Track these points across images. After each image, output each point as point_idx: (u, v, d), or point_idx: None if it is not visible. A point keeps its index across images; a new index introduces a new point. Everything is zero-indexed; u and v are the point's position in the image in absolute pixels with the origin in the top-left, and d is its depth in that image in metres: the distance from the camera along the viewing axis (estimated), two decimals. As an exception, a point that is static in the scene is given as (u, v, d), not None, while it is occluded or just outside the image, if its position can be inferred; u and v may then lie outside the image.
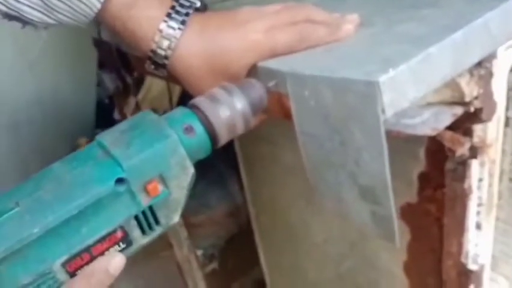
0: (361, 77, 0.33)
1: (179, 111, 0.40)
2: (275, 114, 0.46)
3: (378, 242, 0.62)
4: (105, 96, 1.28)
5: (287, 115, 0.43)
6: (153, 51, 0.44)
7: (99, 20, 0.45)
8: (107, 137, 0.37)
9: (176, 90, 1.25)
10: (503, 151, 0.51)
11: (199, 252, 1.04)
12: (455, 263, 0.51)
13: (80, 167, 0.36)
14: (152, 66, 0.46)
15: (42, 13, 0.44)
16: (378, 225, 0.39)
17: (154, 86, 1.24)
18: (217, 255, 1.09)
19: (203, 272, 1.05)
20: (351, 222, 0.42)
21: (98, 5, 0.43)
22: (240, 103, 0.40)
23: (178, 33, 0.44)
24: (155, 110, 1.20)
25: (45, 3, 0.43)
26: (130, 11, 0.44)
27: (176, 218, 0.39)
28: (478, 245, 0.50)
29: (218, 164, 0.99)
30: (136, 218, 0.37)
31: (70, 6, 0.43)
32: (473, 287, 0.52)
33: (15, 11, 0.44)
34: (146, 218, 0.38)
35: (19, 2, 0.43)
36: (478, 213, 0.48)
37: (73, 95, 1.26)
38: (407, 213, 0.54)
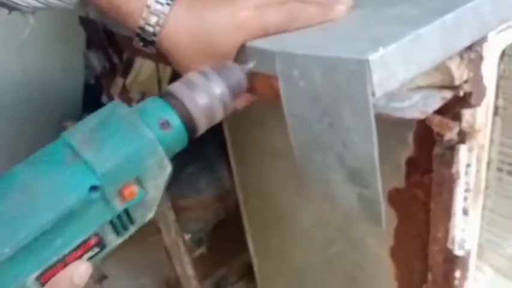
0: (351, 55, 0.32)
1: (153, 104, 0.37)
2: (265, 96, 0.46)
3: (366, 226, 0.62)
4: (92, 77, 1.26)
5: (277, 96, 0.43)
6: (141, 28, 0.44)
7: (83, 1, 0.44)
8: (75, 136, 0.34)
9: (166, 74, 1.24)
10: (492, 140, 0.52)
11: (187, 237, 1.03)
12: (441, 248, 0.51)
13: (47, 172, 0.33)
14: (141, 43, 0.45)
15: None
16: (365, 208, 0.39)
17: (143, 69, 1.22)
18: (205, 239, 1.09)
19: (191, 256, 1.05)
20: (338, 205, 0.42)
21: None
22: (218, 88, 0.39)
23: (166, 8, 0.43)
24: (144, 94, 1.18)
25: None
26: None
27: (151, 215, 0.38)
28: (464, 230, 0.50)
29: (207, 149, 0.98)
30: (111, 221, 0.35)
31: None
32: (459, 273, 0.52)
33: None
34: (121, 220, 0.36)
35: None
36: (465, 198, 0.48)
37: (59, 77, 1.24)
38: (395, 198, 0.54)
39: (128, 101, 0.79)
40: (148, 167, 0.35)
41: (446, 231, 0.50)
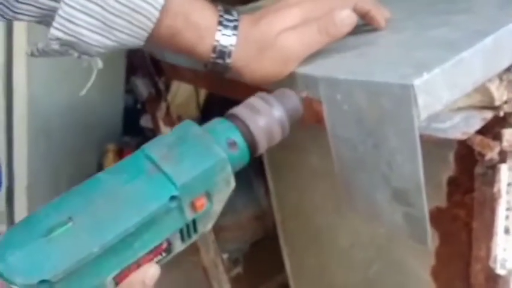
0: (396, 80, 0.34)
1: (221, 125, 0.41)
2: (307, 120, 0.47)
3: (406, 246, 0.62)
4: (138, 102, 1.31)
5: (319, 120, 0.45)
6: (213, 62, 0.46)
7: (154, 33, 0.45)
8: (154, 149, 0.38)
9: (202, 98, 1.27)
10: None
11: (224, 256, 1.04)
12: (483, 267, 0.51)
13: (131, 181, 0.36)
14: (217, 60, 0.47)
15: (101, 35, 0.43)
16: (411, 226, 0.39)
17: (180, 92, 1.26)
18: (241, 259, 1.09)
19: (228, 276, 1.05)
20: (382, 224, 0.43)
21: (157, 14, 0.43)
22: (278, 112, 0.41)
23: (233, 39, 0.45)
24: (180, 117, 1.22)
25: (104, 23, 0.43)
26: (188, 19, 0.45)
27: (210, 226, 0.41)
28: (506, 249, 0.50)
29: (245, 168, 1.00)
30: (180, 229, 0.38)
31: (128, 21, 0.43)
32: (501, 292, 0.52)
33: (74, 36, 0.43)
34: (188, 229, 0.38)
35: (78, 25, 0.42)
36: (507, 217, 0.48)
37: (102, 102, 1.29)
38: (436, 217, 0.54)
39: (171, 124, 0.82)
40: (218, 183, 0.38)
41: (488, 250, 0.50)
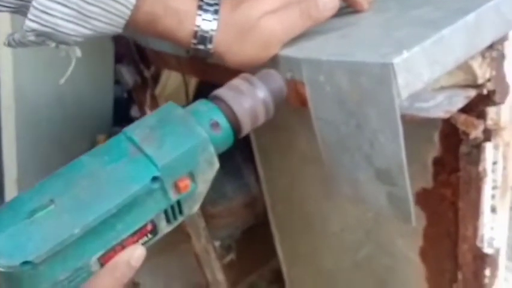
0: (376, 59, 0.33)
1: (204, 106, 0.40)
2: (291, 102, 0.47)
3: (394, 228, 0.63)
4: (124, 91, 1.30)
5: (303, 102, 0.45)
6: (195, 47, 0.46)
7: (132, 20, 0.44)
8: (136, 131, 0.38)
9: (192, 86, 1.27)
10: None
11: (217, 244, 1.05)
12: (470, 246, 0.52)
13: (113, 163, 0.36)
14: (199, 47, 0.46)
15: (77, 24, 0.43)
16: (395, 206, 0.40)
17: (170, 82, 1.25)
18: (234, 246, 1.10)
19: (221, 263, 1.06)
20: (367, 204, 0.43)
21: (133, 0, 0.43)
22: (261, 93, 0.41)
23: (214, 24, 0.45)
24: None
25: (79, 12, 0.42)
26: (166, 4, 0.44)
27: (197, 208, 0.41)
28: (493, 228, 0.51)
29: (234, 155, 1.00)
30: (165, 210, 0.38)
31: (104, 9, 0.43)
32: (489, 271, 0.52)
33: (50, 27, 0.43)
34: (173, 210, 0.39)
35: (53, 16, 0.42)
36: (493, 196, 0.49)
37: (91, 92, 1.29)
38: (423, 198, 0.55)
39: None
40: (200, 163, 0.38)
41: (475, 229, 0.50)
